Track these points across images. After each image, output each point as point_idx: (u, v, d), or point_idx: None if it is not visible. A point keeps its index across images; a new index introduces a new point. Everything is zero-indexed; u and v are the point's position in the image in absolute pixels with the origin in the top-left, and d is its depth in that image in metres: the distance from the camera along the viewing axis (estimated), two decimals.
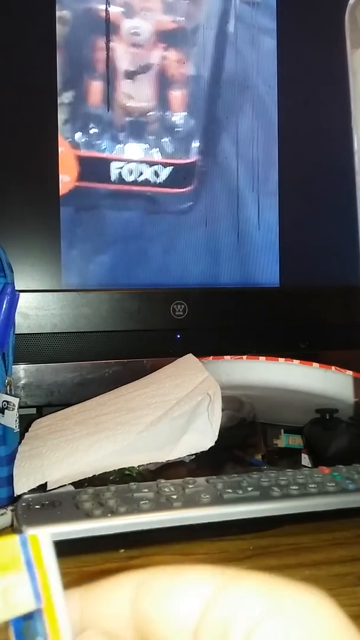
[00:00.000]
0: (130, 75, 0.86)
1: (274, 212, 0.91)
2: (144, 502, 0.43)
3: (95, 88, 0.84)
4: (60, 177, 0.82)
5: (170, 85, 0.88)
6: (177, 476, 0.49)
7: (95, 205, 0.84)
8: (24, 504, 0.43)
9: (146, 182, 0.86)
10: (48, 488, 0.49)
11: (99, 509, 0.42)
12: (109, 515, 0.42)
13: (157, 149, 0.87)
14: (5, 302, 0.54)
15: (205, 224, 0.89)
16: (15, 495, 0.49)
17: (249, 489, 0.46)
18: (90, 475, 0.51)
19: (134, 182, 0.86)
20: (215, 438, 0.54)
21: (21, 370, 0.75)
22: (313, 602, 0.16)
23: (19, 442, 0.56)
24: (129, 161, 0.86)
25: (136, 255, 0.86)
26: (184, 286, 0.87)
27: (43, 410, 0.75)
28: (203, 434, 0.55)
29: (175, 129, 0.88)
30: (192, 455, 0.57)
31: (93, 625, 0.18)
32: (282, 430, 0.71)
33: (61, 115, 0.83)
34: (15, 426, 0.54)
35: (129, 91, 0.86)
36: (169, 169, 0.87)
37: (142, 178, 0.86)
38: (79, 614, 0.18)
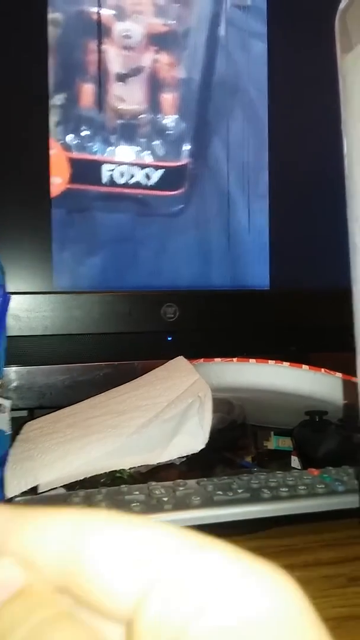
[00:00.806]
0: (122, 77, 0.86)
1: (264, 214, 0.92)
2: (135, 504, 0.43)
3: (87, 90, 0.85)
4: (52, 179, 0.82)
5: (161, 88, 0.88)
6: (167, 478, 0.49)
7: (87, 208, 0.85)
8: None
9: (137, 185, 0.87)
10: (39, 491, 0.49)
11: None
12: None
13: (149, 152, 0.87)
14: None
15: (196, 227, 0.89)
16: (6, 498, 0.49)
17: (239, 490, 0.46)
18: (82, 478, 0.51)
19: (126, 185, 0.86)
20: (206, 440, 0.54)
21: (12, 373, 0.75)
22: (268, 582, 0.15)
23: (11, 445, 0.56)
24: (120, 163, 0.86)
25: (127, 258, 0.86)
26: (175, 288, 0.87)
27: (34, 412, 0.74)
28: (194, 436, 0.55)
29: (167, 132, 0.88)
30: (182, 457, 0.57)
31: (14, 552, 0.16)
32: (272, 433, 0.71)
33: (53, 118, 0.83)
34: (7, 429, 0.54)
35: (121, 94, 0.86)
36: (160, 172, 0.87)
37: (133, 180, 0.86)
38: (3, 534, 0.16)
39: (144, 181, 0.87)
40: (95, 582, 0.15)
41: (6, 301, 0.55)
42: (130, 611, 0.15)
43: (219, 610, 0.14)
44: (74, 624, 0.15)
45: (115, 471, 0.55)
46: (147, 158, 0.87)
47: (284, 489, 0.47)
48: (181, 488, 0.46)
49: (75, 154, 0.84)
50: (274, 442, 0.71)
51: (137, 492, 0.46)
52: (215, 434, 0.55)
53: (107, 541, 0.15)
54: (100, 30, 0.85)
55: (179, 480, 0.48)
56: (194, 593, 0.14)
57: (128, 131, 0.86)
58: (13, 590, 0.15)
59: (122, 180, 0.86)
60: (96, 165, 0.85)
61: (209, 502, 0.45)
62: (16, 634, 0.14)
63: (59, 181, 0.83)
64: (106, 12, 0.85)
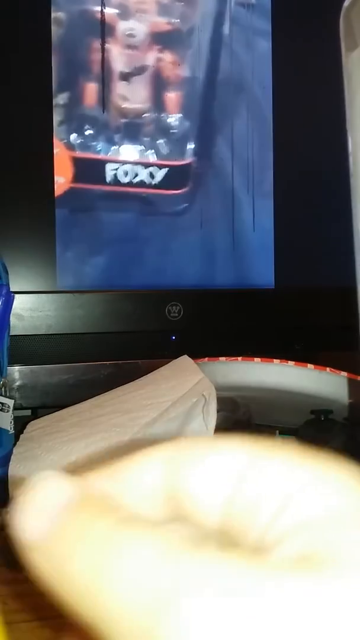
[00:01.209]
0: (126, 76, 0.86)
1: (269, 213, 0.91)
2: None
3: (91, 89, 0.84)
4: (56, 178, 0.82)
5: (165, 87, 0.88)
6: None
7: (91, 207, 0.84)
8: None
9: (141, 184, 0.86)
10: None
11: None
12: None
13: (153, 151, 0.87)
14: (0, 304, 0.54)
15: (200, 226, 0.89)
16: (10, 497, 0.49)
17: None
18: None
19: (129, 184, 0.86)
20: None
21: (16, 372, 0.75)
22: (350, 476, 0.15)
23: (14, 444, 0.56)
24: (124, 162, 0.86)
25: (131, 257, 0.86)
26: (179, 288, 0.87)
27: (38, 412, 0.74)
28: (198, 436, 0.55)
29: (171, 131, 0.88)
30: None
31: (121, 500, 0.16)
32: (277, 432, 0.71)
33: (56, 117, 0.83)
34: (10, 428, 0.54)
35: (124, 93, 0.86)
36: (164, 171, 0.87)
37: (137, 179, 0.86)
38: (110, 489, 0.17)
39: (148, 180, 0.87)
40: (189, 497, 0.16)
41: (10, 300, 0.55)
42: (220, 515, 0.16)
43: (306, 499, 0.14)
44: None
45: None
46: (151, 157, 0.87)
47: None
48: None
49: (79, 153, 0.84)
50: None
51: None
52: (220, 434, 0.55)
53: (196, 464, 0.16)
54: (103, 29, 0.85)
55: None
56: (279, 484, 0.15)
57: (132, 130, 0.86)
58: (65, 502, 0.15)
59: (126, 180, 0.86)
60: (100, 165, 0.85)
61: None
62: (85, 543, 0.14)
63: (62, 180, 0.83)
64: (110, 11, 0.85)
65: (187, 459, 0.17)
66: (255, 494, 0.15)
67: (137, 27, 0.86)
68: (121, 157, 0.86)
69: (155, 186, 0.87)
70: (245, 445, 0.17)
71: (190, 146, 0.89)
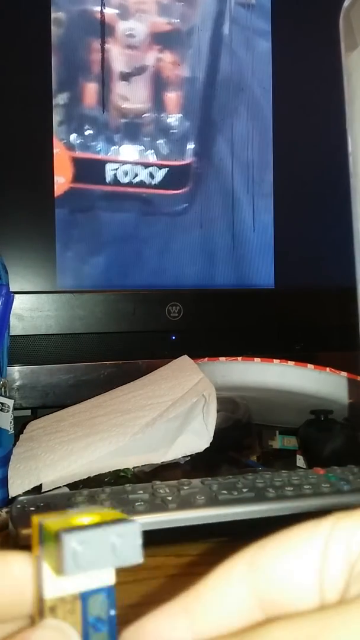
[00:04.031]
0: (126, 76, 0.86)
1: (268, 213, 0.91)
2: (139, 503, 0.43)
3: (91, 89, 0.84)
4: (55, 178, 0.82)
5: (165, 87, 0.88)
6: (172, 478, 0.49)
7: (91, 207, 0.84)
8: (18, 506, 0.43)
9: (141, 184, 0.86)
10: (43, 490, 0.49)
11: None
12: None
13: (152, 151, 0.87)
14: (0, 304, 0.54)
15: (200, 226, 0.89)
16: (10, 497, 0.49)
17: (244, 490, 0.46)
18: (85, 477, 0.51)
19: (129, 184, 0.86)
20: (210, 439, 0.54)
21: (16, 372, 0.75)
22: None
23: (14, 444, 0.56)
24: (124, 163, 0.86)
25: (131, 257, 0.86)
26: (179, 287, 0.87)
27: (38, 412, 0.74)
28: (198, 436, 0.55)
29: (171, 131, 0.88)
30: (187, 456, 0.57)
31: (210, 633, 0.16)
32: (277, 432, 0.71)
33: (56, 117, 0.83)
34: (10, 428, 0.54)
35: (124, 93, 0.86)
36: (164, 171, 0.87)
37: (137, 179, 0.86)
38: (189, 627, 0.16)
39: (147, 180, 0.87)
40: (281, 596, 0.16)
41: (10, 300, 0.55)
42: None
43: None
44: None
45: (119, 470, 0.54)
46: (151, 157, 0.87)
47: (289, 489, 0.46)
48: (185, 487, 0.46)
49: (79, 153, 0.84)
50: (279, 441, 0.70)
51: (141, 492, 0.45)
52: (220, 433, 0.55)
53: (278, 555, 0.16)
54: (103, 29, 0.85)
55: (183, 480, 0.48)
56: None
57: (132, 130, 0.86)
58: None
59: (125, 180, 0.86)
60: (100, 165, 0.85)
61: (213, 501, 0.44)
62: None
63: (62, 181, 0.83)
64: (110, 11, 0.85)
65: (266, 561, 0.16)
66: (345, 557, 0.15)
67: (137, 27, 0.86)
68: (121, 157, 0.86)
69: (155, 186, 0.87)
70: (319, 524, 0.17)
71: (190, 146, 0.89)
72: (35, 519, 0.18)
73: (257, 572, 0.16)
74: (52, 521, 0.17)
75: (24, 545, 0.39)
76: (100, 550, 0.16)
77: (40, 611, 0.17)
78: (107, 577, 0.17)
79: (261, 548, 0.17)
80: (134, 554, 0.17)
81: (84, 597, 0.17)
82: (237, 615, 0.16)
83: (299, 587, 0.16)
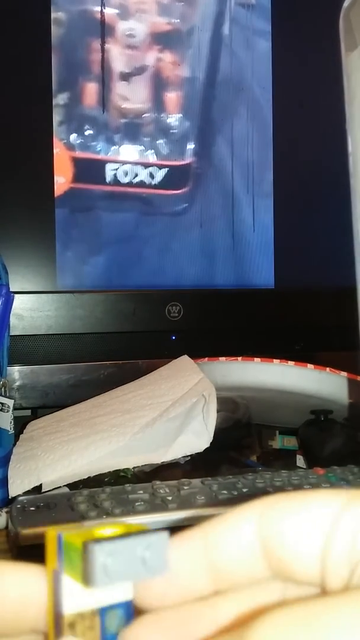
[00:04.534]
0: (126, 76, 0.86)
1: (268, 213, 0.91)
2: (139, 503, 0.43)
3: (91, 89, 0.84)
4: (55, 178, 0.82)
5: (165, 87, 0.88)
6: (172, 477, 0.49)
7: (91, 207, 0.84)
8: (19, 506, 0.43)
9: (141, 184, 0.86)
10: (43, 490, 0.49)
11: (94, 511, 0.42)
12: (104, 516, 0.42)
13: (152, 151, 0.87)
14: (0, 304, 0.54)
15: (200, 226, 0.89)
16: (10, 497, 0.49)
17: (244, 490, 0.46)
18: (85, 477, 0.51)
19: (129, 184, 0.86)
20: (210, 439, 0.54)
21: (16, 372, 0.75)
22: None
23: (14, 444, 0.56)
24: (124, 163, 0.86)
25: (131, 257, 0.86)
26: (179, 287, 0.87)
27: (38, 412, 0.74)
28: (198, 436, 0.55)
29: (170, 131, 0.88)
30: (187, 456, 0.57)
31: (218, 564, 0.17)
32: (277, 432, 0.71)
33: (56, 117, 0.83)
34: (10, 428, 0.54)
35: (124, 93, 0.86)
36: (164, 171, 0.87)
37: (137, 179, 0.86)
38: (202, 554, 0.17)
39: (147, 180, 0.87)
40: (286, 559, 0.17)
41: (10, 300, 0.55)
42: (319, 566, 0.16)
43: None
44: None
45: (119, 470, 0.54)
46: (151, 157, 0.87)
47: (289, 489, 0.46)
48: (185, 487, 0.46)
49: (79, 153, 0.84)
50: (279, 441, 0.70)
51: (141, 492, 0.46)
52: (220, 433, 0.55)
53: (290, 514, 0.17)
54: (103, 29, 0.85)
55: (183, 480, 0.48)
56: None
57: (132, 130, 0.86)
58: None
59: (125, 180, 0.86)
60: (100, 165, 0.85)
61: (213, 501, 0.44)
62: None
63: (62, 181, 0.83)
64: (110, 11, 0.85)
65: (279, 514, 0.17)
66: (352, 535, 0.16)
67: (137, 27, 0.86)
68: (121, 157, 0.86)
69: (155, 186, 0.87)
70: (337, 492, 0.17)
71: (190, 146, 0.89)
72: (52, 532, 0.17)
73: (266, 523, 0.17)
74: (72, 534, 0.17)
75: (23, 545, 0.40)
76: (130, 562, 0.16)
77: (57, 627, 0.17)
78: (126, 592, 0.17)
79: (274, 501, 0.17)
80: (161, 565, 0.17)
81: (102, 612, 0.17)
82: (243, 556, 0.17)
83: (303, 547, 0.16)
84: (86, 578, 0.16)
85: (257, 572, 0.17)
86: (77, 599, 0.17)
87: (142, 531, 0.17)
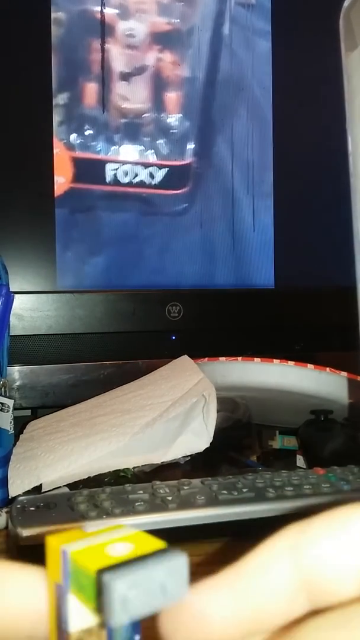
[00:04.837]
0: (126, 76, 0.86)
1: (268, 213, 0.91)
2: (139, 503, 0.43)
3: (91, 89, 0.84)
4: (55, 178, 0.82)
5: (165, 87, 0.88)
6: (172, 478, 0.49)
7: (91, 207, 0.84)
8: (18, 506, 0.43)
9: (141, 184, 0.86)
10: (43, 490, 0.49)
11: (94, 511, 0.42)
12: (104, 516, 0.42)
13: (152, 151, 0.87)
14: (0, 304, 0.54)
15: (200, 226, 0.89)
16: (10, 497, 0.49)
17: (244, 490, 0.46)
18: (85, 477, 0.51)
19: (129, 184, 0.86)
20: (210, 439, 0.54)
21: (16, 372, 0.75)
22: None
23: (14, 444, 0.56)
24: (124, 162, 0.86)
25: (131, 257, 0.86)
26: (179, 287, 0.87)
27: (38, 412, 0.74)
28: (198, 436, 0.55)
29: (171, 131, 0.88)
30: (187, 456, 0.57)
31: (252, 610, 0.16)
32: (277, 432, 0.71)
33: (56, 117, 0.83)
34: (10, 428, 0.54)
35: (124, 93, 0.86)
36: (164, 171, 0.87)
37: (137, 179, 0.86)
38: (232, 603, 0.16)
39: (147, 180, 0.87)
40: (329, 586, 0.16)
41: (10, 300, 0.55)
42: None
43: None
44: None
45: (119, 470, 0.54)
46: (151, 157, 0.87)
47: (289, 489, 0.46)
48: (185, 487, 0.46)
49: (79, 153, 0.84)
50: (279, 441, 0.70)
51: (141, 492, 0.45)
52: (220, 433, 0.55)
53: (323, 545, 0.16)
54: (103, 29, 0.85)
55: (183, 480, 0.48)
56: None
57: (132, 130, 0.86)
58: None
59: (125, 180, 0.86)
60: (100, 165, 0.85)
61: (213, 501, 0.44)
62: None
63: (62, 181, 0.83)
64: (110, 11, 0.85)
65: (313, 540, 0.16)
66: None
67: (137, 27, 0.86)
68: (121, 157, 0.86)
69: (155, 186, 0.87)
70: None
71: (190, 146, 0.89)
72: (53, 541, 0.16)
73: (302, 550, 0.16)
74: (78, 551, 0.16)
75: (23, 545, 0.40)
76: (151, 592, 0.15)
77: None
78: None
79: (306, 526, 0.16)
80: (181, 590, 0.15)
81: (109, 627, 0.16)
82: (280, 594, 0.16)
83: (346, 566, 0.16)
84: (104, 612, 0.14)
85: (295, 608, 0.16)
86: (84, 615, 0.16)
87: (158, 552, 0.16)
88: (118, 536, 0.16)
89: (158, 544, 0.16)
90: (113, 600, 0.14)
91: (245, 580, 0.16)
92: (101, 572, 0.14)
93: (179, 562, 0.15)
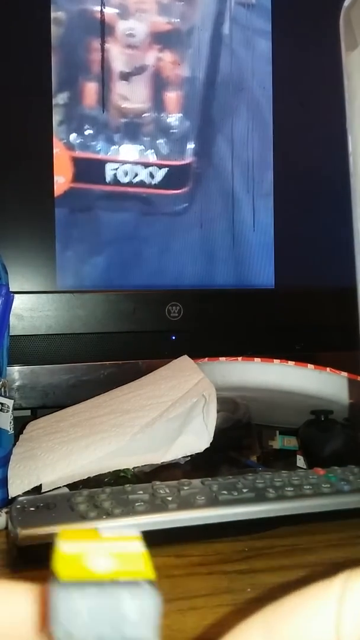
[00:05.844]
0: (125, 76, 0.86)
1: (269, 213, 0.91)
2: (139, 504, 0.43)
3: (91, 89, 0.84)
4: (55, 178, 0.82)
5: (165, 87, 0.88)
6: (172, 478, 0.49)
7: (90, 207, 0.84)
8: (18, 506, 0.43)
9: (141, 184, 0.86)
10: (43, 490, 0.49)
11: (94, 511, 0.42)
12: (104, 517, 0.42)
13: (152, 150, 0.87)
14: (0, 304, 0.54)
15: (200, 226, 0.89)
16: (9, 497, 0.49)
17: (244, 490, 0.46)
18: (85, 477, 0.51)
19: (129, 184, 0.86)
20: (210, 440, 0.54)
21: (15, 372, 0.75)
22: None
23: (14, 444, 0.56)
24: (124, 162, 0.86)
25: (131, 257, 0.86)
26: (179, 287, 0.87)
27: (38, 412, 0.74)
28: (198, 436, 0.55)
29: (170, 131, 0.88)
30: (187, 456, 0.57)
31: None
32: (277, 432, 0.71)
33: (56, 117, 0.82)
34: (10, 428, 0.54)
35: (124, 92, 0.86)
36: (164, 170, 0.87)
37: (137, 179, 0.86)
38: None
39: (147, 180, 0.87)
40: None
41: (10, 300, 0.55)
42: None
43: None
44: None
45: (119, 471, 0.54)
46: (151, 157, 0.87)
47: (289, 489, 0.46)
48: (185, 488, 0.46)
49: (79, 153, 0.84)
50: (279, 442, 0.70)
51: (141, 492, 0.45)
52: (220, 434, 0.55)
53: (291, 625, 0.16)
54: (103, 29, 0.85)
55: (183, 480, 0.48)
56: None
57: (132, 130, 0.86)
58: None
59: (125, 179, 0.86)
60: (100, 164, 0.85)
61: (213, 501, 0.44)
62: None
63: (62, 180, 0.83)
64: (109, 11, 0.85)
65: (281, 622, 0.17)
66: (355, 627, 0.16)
67: (137, 27, 0.86)
68: (121, 157, 0.86)
69: (155, 186, 0.87)
70: (330, 582, 0.17)
71: (190, 146, 0.89)
72: (60, 539, 0.16)
73: (274, 634, 0.16)
74: (65, 555, 0.15)
75: (23, 545, 0.39)
76: (103, 620, 0.14)
77: None
78: None
79: (276, 608, 0.17)
80: (145, 632, 0.14)
81: None
82: None
83: None
84: (51, 625, 0.14)
85: None
86: None
87: (132, 582, 0.14)
88: (115, 551, 0.16)
89: (146, 574, 0.15)
90: (57, 614, 0.14)
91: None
92: (59, 582, 0.14)
93: (148, 601, 0.14)
